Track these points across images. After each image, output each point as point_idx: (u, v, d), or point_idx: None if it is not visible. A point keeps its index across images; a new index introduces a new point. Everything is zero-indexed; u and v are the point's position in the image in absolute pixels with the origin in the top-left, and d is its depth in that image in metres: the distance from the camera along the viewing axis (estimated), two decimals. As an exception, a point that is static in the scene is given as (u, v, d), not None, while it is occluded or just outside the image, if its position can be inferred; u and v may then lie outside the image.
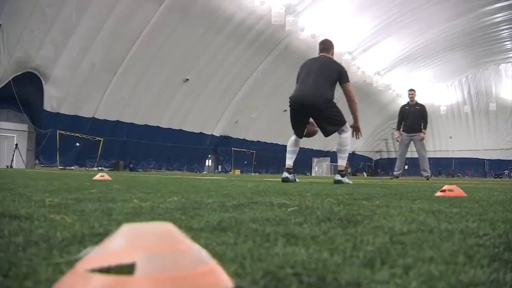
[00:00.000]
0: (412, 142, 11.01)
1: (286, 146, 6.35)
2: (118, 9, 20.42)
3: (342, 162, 5.98)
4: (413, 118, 10.93)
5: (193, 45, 24.58)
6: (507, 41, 40.85)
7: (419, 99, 11.63)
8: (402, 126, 11.18)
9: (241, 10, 24.48)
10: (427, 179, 10.39)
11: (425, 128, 11.02)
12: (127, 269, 0.55)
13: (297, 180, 6.41)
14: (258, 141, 35.53)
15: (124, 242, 0.56)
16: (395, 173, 11.19)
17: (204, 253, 0.58)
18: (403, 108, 11.30)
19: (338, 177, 5.81)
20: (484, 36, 37.96)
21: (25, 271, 0.65)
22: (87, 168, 23.68)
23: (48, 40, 19.60)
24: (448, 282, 0.62)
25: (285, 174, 6.04)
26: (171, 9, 22.04)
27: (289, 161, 6.25)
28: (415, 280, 0.63)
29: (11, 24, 18.09)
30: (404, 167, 11.48)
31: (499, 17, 34.51)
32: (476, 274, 0.67)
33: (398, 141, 11.38)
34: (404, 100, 42.31)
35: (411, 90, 11.43)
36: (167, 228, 0.58)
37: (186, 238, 0.58)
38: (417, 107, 11.03)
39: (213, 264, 0.57)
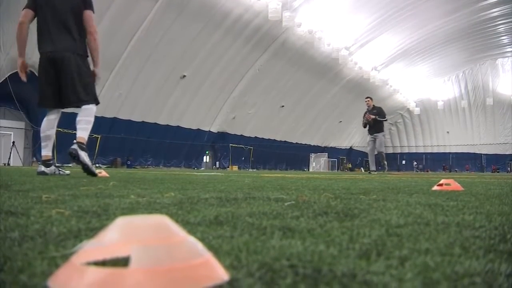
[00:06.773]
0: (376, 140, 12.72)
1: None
2: (114, 6, 20.36)
3: (85, 135, 4.88)
4: (372, 121, 12.60)
5: (190, 41, 24.53)
6: (503, 35, 40.91)
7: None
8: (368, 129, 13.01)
9: (238, 6, 24.44)
10: (384, 171, 13.13)
11: (380, 117, 12.65)
12: (122, 262, 0.55)
13: (66, 172, 5.24)
14: (255, 137, 35.51)
15: (119, 235, 0.56)
16: (371, 168, 13.06)
17: (199, 246, 0.58)
18: (364, 114, 12.88)
19: (77, 150, 4.61)
20: (480, 31, 38.01)
21: (20, 265, 0.65)
22: (85, 166, 23.61)
23: (44, 37, 19.53)
24: (443, 273, 0.62)
25: (41, 168, 4.93)
26: (168, 5, 21.98)
27: (46, 151, 5.08)
28: (411, 271, 0.63)
29: (8, 21, 18.01)
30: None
31: (495, 11, 34.54)
32: (472, 265, 0.67)
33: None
34: (401, 95, 42.56)
35: (367, 98, 13.17)
36: (162, 220, 0.58)
37: (181, 230, 0.58)
38: (374, 111, 12.61)
39: (208, 256, 0.57)
